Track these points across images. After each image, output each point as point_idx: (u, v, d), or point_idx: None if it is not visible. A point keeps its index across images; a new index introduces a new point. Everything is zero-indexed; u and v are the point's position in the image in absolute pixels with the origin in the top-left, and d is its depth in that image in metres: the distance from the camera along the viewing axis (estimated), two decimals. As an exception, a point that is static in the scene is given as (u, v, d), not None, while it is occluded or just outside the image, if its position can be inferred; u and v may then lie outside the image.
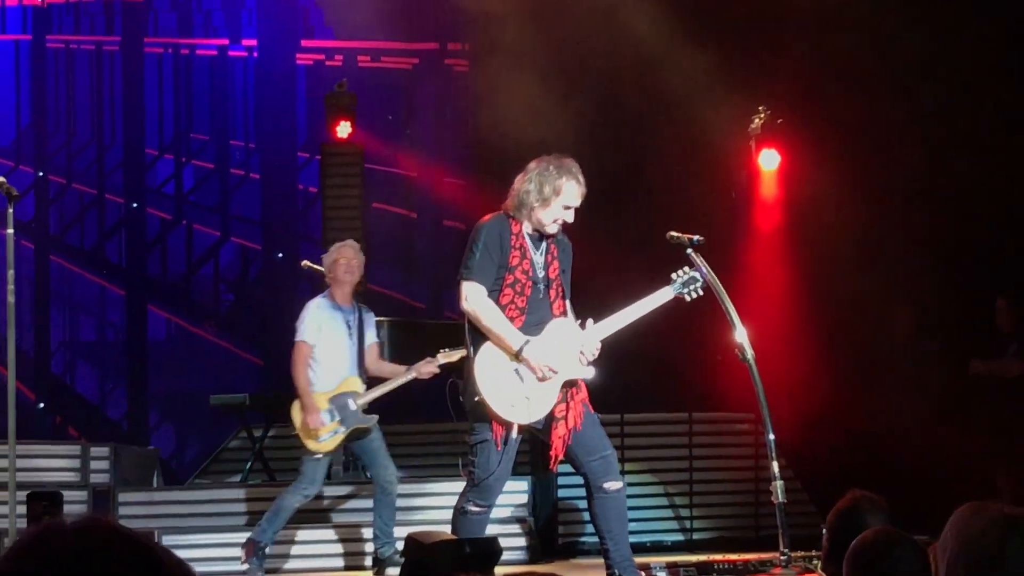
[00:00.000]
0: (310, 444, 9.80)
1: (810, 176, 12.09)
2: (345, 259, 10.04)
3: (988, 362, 11.40)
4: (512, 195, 7.67)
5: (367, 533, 10.40)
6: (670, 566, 9.09)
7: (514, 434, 7.58)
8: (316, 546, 10.78)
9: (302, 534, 10.75)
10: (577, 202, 7.64)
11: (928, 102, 11.70)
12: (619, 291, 7.95)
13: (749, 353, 8.35)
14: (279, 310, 16.08)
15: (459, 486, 7.96)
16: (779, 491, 8.38)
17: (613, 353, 7.94)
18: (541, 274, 7.66)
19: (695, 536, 11.84)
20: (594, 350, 7.64)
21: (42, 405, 16.91)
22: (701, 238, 8.13)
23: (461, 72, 15.17)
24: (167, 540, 10.26)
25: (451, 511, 7.79)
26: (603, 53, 12.17)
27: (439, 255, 15.50)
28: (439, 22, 14.52)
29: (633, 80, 12.17)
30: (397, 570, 9.62)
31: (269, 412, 12.81)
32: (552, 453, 7.67)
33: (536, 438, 8.18)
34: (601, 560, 7.84)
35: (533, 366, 7.51)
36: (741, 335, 8.34)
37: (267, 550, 9.86)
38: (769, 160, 12.59)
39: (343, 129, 14.30)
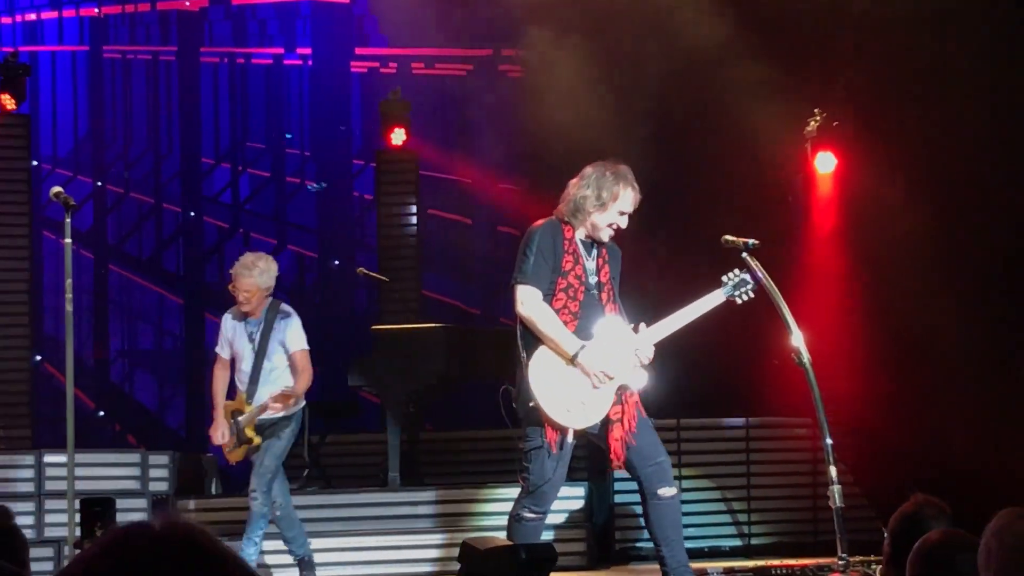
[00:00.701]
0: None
1: (866, 179, 12.02)
2: (234, 286, 9.55)
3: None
4: (566, 200, 7.66)
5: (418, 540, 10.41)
6: (727, 572, 9.06)
7: (570, 439, 7.56)
8: (373, 553, 10.81)
9: (362, 540, 10.78)
10: (632, 209, 7.63)
11: (986, 104, 11.61)
12: (675, 297, 7.92)
13: (806, 357, 8.30)
14: (335, 317, 16.13)
15: (514, 492, 7.95)
16: (837, 496, 8.32)
17: (670, 359, 7.92)
18: (593, 279, 7.65)
19: (753, 541, 11.78)
20: (648, 354, 7.62)
21: (101, 413, 17.03)
22: (756, 242, 8.09)
23: (515, 78, 15.18)
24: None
25: (506, 517, 7.78)
26: (657, 58, 12.13)
27: (494, 261, 15.49)
28: (493, 28, 14.52)
29: (687, 84, 12.13)
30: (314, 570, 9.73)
31: (326, 419, 12.86)
32: (612, 456, 7.64)
33: (592, 443, 8.16)
34: (658, 566, 7.82)
35: (588, 372, 7.49)
36: (797, 339, 8.30)
37: (313, 557, 9.84)
38: (825, 163, 12.53)
39: (398, 136, 14.36)
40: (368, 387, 12.41)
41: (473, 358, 11.75)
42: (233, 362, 9.66)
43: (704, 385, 12.08)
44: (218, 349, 9.73)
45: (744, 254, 8.04)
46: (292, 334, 9.53)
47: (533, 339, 7.54)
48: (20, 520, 9.81)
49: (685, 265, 10.30)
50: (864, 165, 12.10)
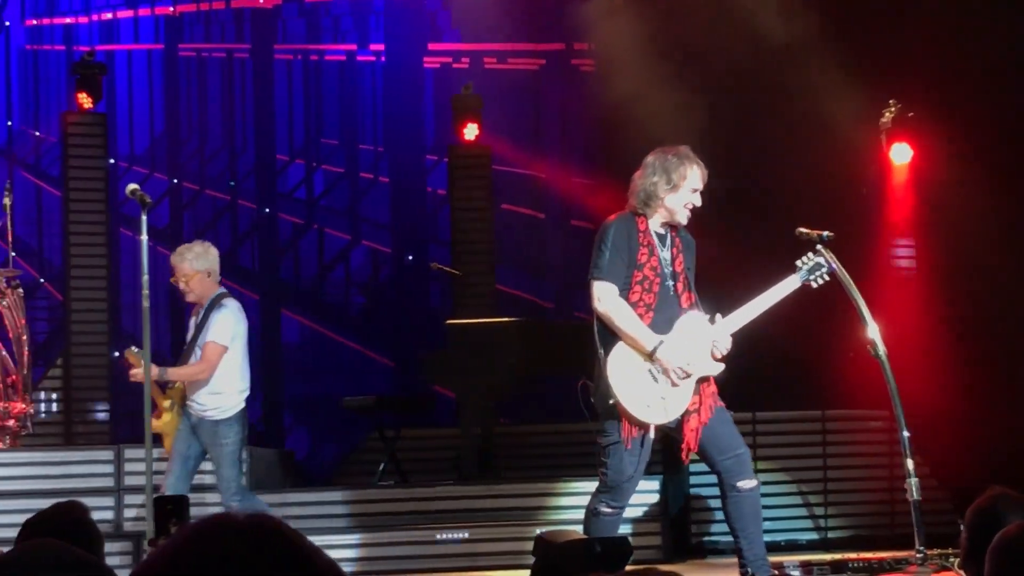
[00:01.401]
0: None
1: (943, 169, 11.93)
2: (174, 277, 9.55)
3: None
4: (635, 192, 7.64)
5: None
6: (803, 565, 9.02)
7: (651, 435, 7.55)
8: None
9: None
10: (702, 185, 7.61)
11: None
12: (750, 288, 7.90)
13: (881, 349, 8.26)
14: (409, 312, 16.18)
15: (590, 486, 7.95)
16: (914, 488, 8.28)
17: (745, 351, 7.89)
18: (668, 270, 7.63)
19: (830, 535, 11.73)
20: (726, 345, 7.59)
21: (179, 409, 17.14)
22: (831, 234, 8.06)
23: (588, 72, 15.15)
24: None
25: (582, 511, 7.78)
26: (729, 49, 12.08)
27: (567, 255, 15.47)
28: (565, 22, 14.49)
29: (760, 76, 12.07)
30: None
31: (401, 413, 12.89)
32: (684, 446, 7.63)
33: (668, 436, 8.15)
34: (734, 559, 7.79)
35: (667, 368, 7.47)
36: (873, 331, 8.25)
37: None
38: (901, 154, 12.44)
39: (470, 131, 14.36)
40: (443, 382, 12.44)
41: (547, 352, 11.74)
42: None
43: (780, 378, 12.03)
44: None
45: (819, 246, 8.01)
46: (215, 326, 9.41)
47: (611, 335, 7.52)
48: (99, 514, 9.94)
49: (760, 256, 10.25)
50: (940, 156, 12.00)
